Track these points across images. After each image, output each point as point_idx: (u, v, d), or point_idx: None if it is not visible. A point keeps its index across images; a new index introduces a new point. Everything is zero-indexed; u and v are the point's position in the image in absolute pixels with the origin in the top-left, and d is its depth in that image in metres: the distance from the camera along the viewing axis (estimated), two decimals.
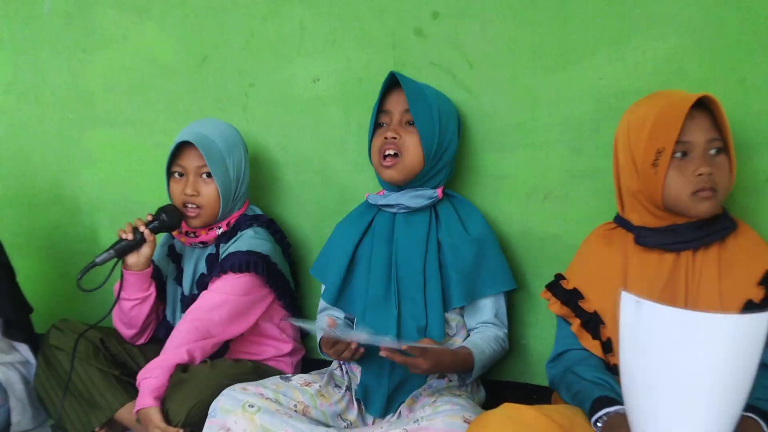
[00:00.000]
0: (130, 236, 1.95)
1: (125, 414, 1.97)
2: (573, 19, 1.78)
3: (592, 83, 1.79)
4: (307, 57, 2.13)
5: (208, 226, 2.04)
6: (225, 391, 1.70)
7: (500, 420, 1.37)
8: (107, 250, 1.94)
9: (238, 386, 1.72)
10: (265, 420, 1.63)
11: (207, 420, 1.67)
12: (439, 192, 1.85)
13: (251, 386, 1.74)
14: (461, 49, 1.92)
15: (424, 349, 1.61)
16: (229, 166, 2.00)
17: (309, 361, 2.13)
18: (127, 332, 2.09)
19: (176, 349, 1.88)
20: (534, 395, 2.00)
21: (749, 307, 1.46)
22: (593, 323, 1.60)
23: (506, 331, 1.86)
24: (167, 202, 2.04)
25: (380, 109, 1.86)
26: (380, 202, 1.88)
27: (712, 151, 1.48)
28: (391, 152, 1.81)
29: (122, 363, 2.09)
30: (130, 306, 2.03)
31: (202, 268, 2.06)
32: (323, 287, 1.97)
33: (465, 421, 1.51)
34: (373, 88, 1.88)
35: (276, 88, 2.19)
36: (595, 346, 1.59)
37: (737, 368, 1.16)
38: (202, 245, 2.07)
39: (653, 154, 1.48)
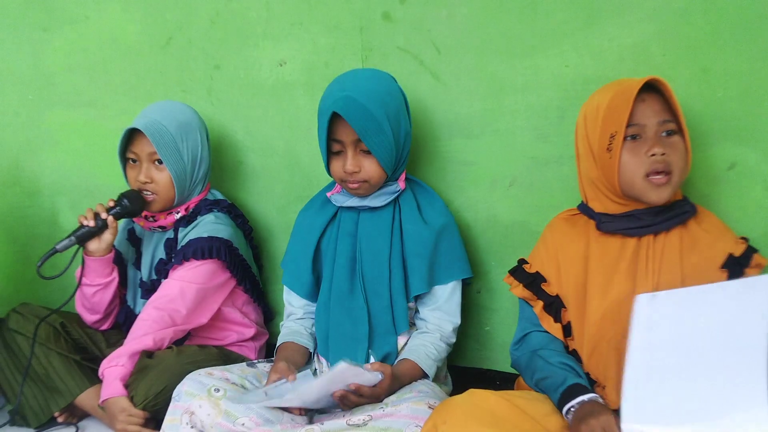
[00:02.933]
0: (91, 223, 1.92)
1: (86, 400, 1.96)
2: (540, 6, 1.78)
3: (559, 70, 1.79)
4: (272, 40, 2.10)
5: (167, 210, 2.02)
6: (190, 375, 1.69)
7: (463, 405, 1.38)
8: (68, 236, 1.91)
9: (203, 371, 1.72)
10: (229, 405, 1.62)
11: (171, 404, 1.66)
12: (401, 183, 1.84)
13: (216, 371, 1.73)
14: (429, 35, 1.91)
15: (373, 387, 1.61)
16: (183, 151, 1.96)
17: (273, 347, 2.12)
18: (90, 318, 2.07)
19: (142, 338, 1.86)
20: (497, 381, 2.02)
21: None
22: (555, 306, 1.62)
23: (456, 322, 1.84)
24: (127, 186, 2.01)
25: (331, 137, 1.76)
26: (345, 204, 1.84)
27: (664, 133, 1.50)
28: (355, 185, 1.77)
29: (83, 348, 2.07)
30: (93, 291, 2.01)
31: (161, 253, 2.04)
32: (285, 288, 1.96)
33: (429, 407, 1.51)
34: (339, 72, 1.86)
35: (241, 71, 2.16)
36: (556, 329, 1.61)
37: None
38: (161, 230, 2.05)
39: (607, 139, 1.50)
